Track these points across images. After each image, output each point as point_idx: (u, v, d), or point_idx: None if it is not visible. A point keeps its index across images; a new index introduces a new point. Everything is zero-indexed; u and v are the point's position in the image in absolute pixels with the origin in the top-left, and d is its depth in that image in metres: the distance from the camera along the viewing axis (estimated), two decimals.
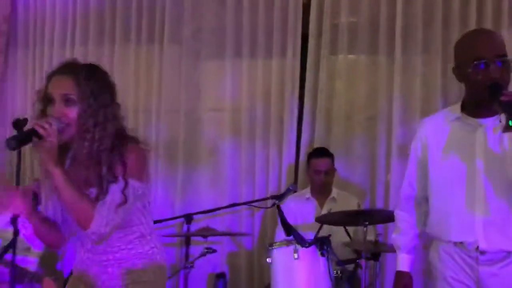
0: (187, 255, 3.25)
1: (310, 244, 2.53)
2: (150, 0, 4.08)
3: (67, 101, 1.66)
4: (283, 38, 3.89)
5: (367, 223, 2.58)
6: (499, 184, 1.76)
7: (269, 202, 3.26)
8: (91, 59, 4.10)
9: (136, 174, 1.71)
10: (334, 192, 3.32)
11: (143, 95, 4.13)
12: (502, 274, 1.79)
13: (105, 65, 3.92)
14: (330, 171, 3.32)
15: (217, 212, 3.60)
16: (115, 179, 1.69)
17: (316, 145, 3.72)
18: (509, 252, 1.79)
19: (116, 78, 4.03)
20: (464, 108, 1.85)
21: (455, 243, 1.84)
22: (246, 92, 3.97)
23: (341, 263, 2.66)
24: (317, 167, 3.32)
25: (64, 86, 1.66)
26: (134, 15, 4.11)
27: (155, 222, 3.48)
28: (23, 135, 1.62)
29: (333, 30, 3.82)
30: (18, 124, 1.67)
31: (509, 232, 1.78)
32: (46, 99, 1.69)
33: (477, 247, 1.79)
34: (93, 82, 1.69)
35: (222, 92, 4.03)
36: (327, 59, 3.83)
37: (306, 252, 2.55)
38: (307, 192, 3.43)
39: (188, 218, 3.37)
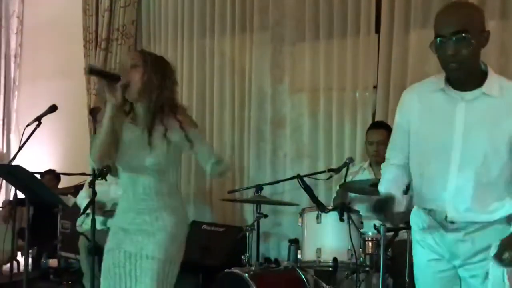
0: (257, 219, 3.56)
1: (329, 210, 2.72)
2: None
3: (133, 66, 2.11)
4: (357, 17, 3.99)
5: None
6: (473, 159, 1.79)
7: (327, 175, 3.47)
8: (198, 51, 4.80)
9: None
10: None
11: (237, 79, 4.61)
12: (468, 240, 1.85)
13: (207, 55, 4.64)
14: (383, 142, 3.35)
15: (285, 183, 3.90)
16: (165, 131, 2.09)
17: (390, 121, 3.75)
18: (475, 223, 1.83)
19: (216, 66, 4.64)
20: (448, 80, 1.86)
21: (426, 210, 1.92)
22: (323, 72, 4.17)
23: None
24: (369, 138, 3.41)
25: (133, 57, 2.18)
26: (229, 9, 4.61)
27: (233, 191, 4.01)
28: (106, 72, 2.29)
29: (406, 5, 3.80)
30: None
31: (477, 204, 1.81)
32: (121, 67, 2.19)
33: (446, 216, 1.85)
34: (153, 58, 2.18)
35: (301, 73, 4.29)
36: (400, 34, 3.81)
37: (327, 217, 2.75)
38: (365, 163, 3.52)
39: (259, 187, 3.73)
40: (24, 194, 2.87)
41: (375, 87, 3.98)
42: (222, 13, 4.66)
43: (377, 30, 3.94)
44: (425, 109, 1.88)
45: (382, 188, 2.00)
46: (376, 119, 3.89)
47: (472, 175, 1.79)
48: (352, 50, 4.04)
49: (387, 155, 2.09)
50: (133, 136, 2.15)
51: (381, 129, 3.38)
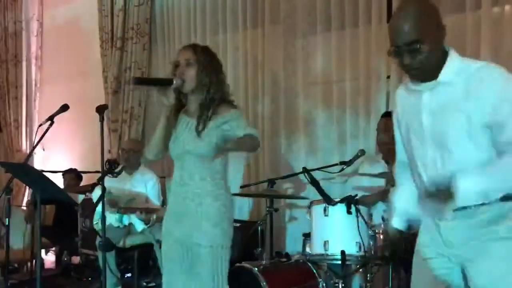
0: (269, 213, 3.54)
1: (336, 203, 2.69)
2: None
3: (188, 64, 2.24)
4: (368, 6, 3.93)
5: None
6: (450, 152, 1.75)
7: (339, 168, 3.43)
8: (211, 47, 4.79)
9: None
10: None
11: (250, 74, 4.60)
12: (457, 227, 1.79)
13: (220, 51, 4.65)
14: (390, 130, 3.29)
15: (299, 177, 3.86)
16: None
17: None
18: (455, 210, 1.75)
19: (229, 61, 4.65)
20: None
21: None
22: (336, 63, 4.12)
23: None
24: (377, 126, 3.36)
25: (186, 54, 2.27)
26: (240, 4, 4.60)
27: (246, 185, 4.00)
28: (155, 80, 2.37)
29: None
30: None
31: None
32: (175, 65, 2.28)
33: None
34: (206, 53, 2.30)
35: (314, 66, 4.25)
36: None
37: (334, 210, 2.72)
38: (379, 155, 3.46)
39: (271, 181, 3.71)
40: (37, 193, 2.92)
41: (388, 76, 3.91)
42: (233, 9, 4.66)
43: (389, 19, 3.85)
44: (405, 105, 1.88)
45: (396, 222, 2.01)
46: (390, 109, 3.82)
47: (451, 165, 1.74)
48: (364, 39, 3.98)
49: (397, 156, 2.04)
50: (185, 126, 2.29)
51: (385, 118, 3.32)
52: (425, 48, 1.67)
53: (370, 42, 3.95)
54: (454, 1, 3.61)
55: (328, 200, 2.72)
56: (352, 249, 2.68)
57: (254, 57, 4.60)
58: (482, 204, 1.71)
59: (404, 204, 1.99)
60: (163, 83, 2.22)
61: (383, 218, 2.63)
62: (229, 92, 2.32)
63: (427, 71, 1.73)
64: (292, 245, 4.19)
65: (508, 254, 1.70)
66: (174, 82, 2.19)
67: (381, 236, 2.79)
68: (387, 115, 3.39)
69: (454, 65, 1.72)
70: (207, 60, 2.25)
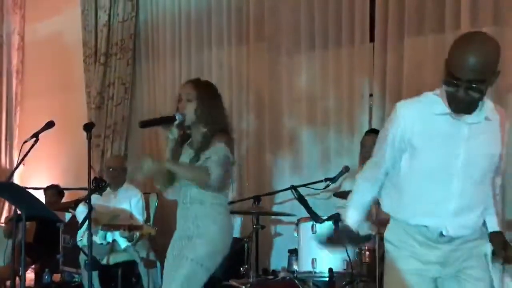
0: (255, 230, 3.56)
1: (323, 221, 2.73)
2: (237, 4, 4.56)
3: (188, 100, 2.39)
4: (351, 26, 4.01)
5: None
6: (473, 182, 1.85)
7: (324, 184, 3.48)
8: (196, 64, 4.84)
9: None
10: None
11: (235, 90, 4.63)
12: (460, 249, 1.89)
13: (205, 68, 4.68)
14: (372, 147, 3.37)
15: (286, 193, 3.88)
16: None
17: None
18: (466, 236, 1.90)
19: (214, 78, 4.67)
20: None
21: (418, 226, 1.92)
22: (319, 81, 4.19)
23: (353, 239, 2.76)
24: (362, 141, 3.44)
25: (187, 89, 2.43)
26: (225, 21, 4.65)
27: (231, 202, 4.01)
28: (159, 119, 2.46)
29: (399, 13, 3.81)
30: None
31: (470, 223, 1.89)
32: (178, 100, 2.46)
33: (440, 232, 1.88)
34: (206, 88, 2.46)
35: (298, 83, 4.31)
36: (394, 42, 3.83)
37: (321, 227, 2.75)
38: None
39: (256, 198, 3.73)
40: (20, 210, 2.89)
41: (371, 95, 3.99)
42: (218, 26, 4.70)
43: (372, 39, 3.95)
44: (427, 130, 1.87)
45: (352, 219, 2.07)
46: (373, 126, 3.89)
47: (472, 196, 1.86)
48: (347, 59, 4.06)
49: (371, 166, 2.07)
50: (187, 157, 2.44)
51: (372, 134, 3.39)
52: (483, 88, 1.73)
53: (353, 61, 4.04)
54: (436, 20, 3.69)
55: (315, 217, 2.76)
56: (339, 266, 2.70)
57: (239, 74, 4.65)
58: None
59: (362, 202, 2.05)
60: (167, 121, 2.39)
61: (369, 236, 2.67)
62: (229, 123, 2.49)
63: (472, 108, 1.79)
64: (277, 261, 4.20)
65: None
66: (176, 118, 2.36)
67: (367, 253, 2.83)
68: (372, 132, 3.46)
69: (489, 104, 1.84)
70: (207, 96, 2.41)
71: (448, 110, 1.82)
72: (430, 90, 3.59)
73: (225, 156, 2.33)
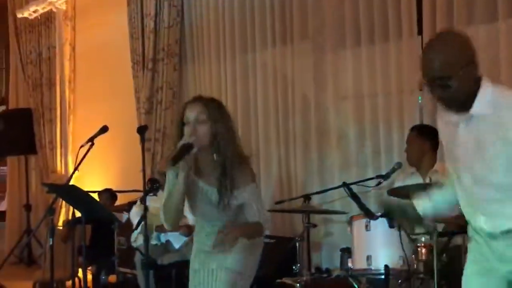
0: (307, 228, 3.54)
1: (377, 217, 2.69)
2: (280, 2, 4.57)
3: (201, 121, 2.11)
4: (398, 20, 3.94)
5: None
6: (479, 175, 1.81)
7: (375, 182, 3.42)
8: (240, 66, 4.89)
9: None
10: (438, 165, 3.28)
11: (280, 91, 4.64)
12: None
13: (249, 69, 4.72)
14: (411, 144, 3.33)
15: (335, 191, 3.85)
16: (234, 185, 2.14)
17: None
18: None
19: (259, 79, 4.64)
20: None
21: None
22: (367, 78, 4.13)
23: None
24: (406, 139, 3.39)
25: (196, 109, 2.13)
26: (269, 21, 4.67)
27: (281, 201, 4.01)
28: (183, 150, 2.09)
29: (448, 4, 3.71)
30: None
31: (508, 211, 1.80)
32: (183, 123, 2.15)
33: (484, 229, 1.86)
34: (216, 106, 2.19)
35: (344, 81, 4.27)
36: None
37: (375, 224, 2.72)
38: (413, 168, 3.45)
39: (306, 197, 3.72)
40: (80, 212, 3.00)
41: (421, 90, 3.90)
42: (262, 27, 4.72)
43: (420, 32, 3.87)
44: (444, 127, 1.92)
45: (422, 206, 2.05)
46: (424, 122, 3.81)
47: (485, 192, 1.81)
48: (395, 53, 3.99)
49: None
50: (203, 195, 2.18)
51: (410, 132, 3.40)
52: (454, 84, 1.72)
53: (401, 56, 3.96)
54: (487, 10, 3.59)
55: (369, 214, 2.72)
56: (395, 263, 2.66)
57: (283, 74, 4.65)
58: None
59: (440, 198, 2.03)
60: (188, 150, 2.06)
61: (427, 232, 2.61)
62: (240, 144, 2.20)
63: (458, 102, 1.77)
64: (329, 260, 4.18)
65: None
66: (194, 145, 2.06)
67: (423, 250, 2.77)
68: (412, 129, 3.41)
69: (486, 96, 1.75)
70: (220, 114, 2.15)
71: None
72: None
73: (259, 195, 2.24)
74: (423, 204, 2.04)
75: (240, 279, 2.22)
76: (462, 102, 1.76)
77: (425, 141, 3.34)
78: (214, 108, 2.15)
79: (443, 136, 1.95)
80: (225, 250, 2.12)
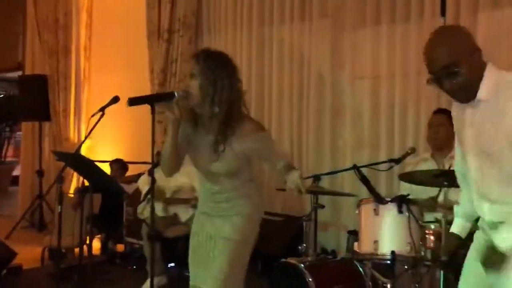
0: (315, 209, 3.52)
1: (387, 202, 2.64)
2: None
3: (191, 75, 2.14)
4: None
5: (446, 183, 2.50)
6: (484, 162, 1.78)
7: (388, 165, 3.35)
8: (257, 40, 4.80)
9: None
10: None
11: (296, 68, 4.55)
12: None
13: (266, 44, 4.62)
14: (443, 126, 3.21)
15: (345, 173, 3.79)
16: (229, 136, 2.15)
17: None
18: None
19: (275, 54, 4.52)
20: None
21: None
22: (385, 58, 4.03)
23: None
24: (429, 121, 3.28)
25: (191, 65, 2.17)
26: None
27: None
28: (152, 96, 2.26)
29: None
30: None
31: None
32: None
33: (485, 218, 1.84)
34: (210, 60, 2.15)
35: (362, 60, 4.17)
36: (467, 16, 3.60)
37: (384, 208, 2.66)
38: (427, 153, 3.36)
39: (316, 177, 3.66)
40: (88, 181, 2.99)
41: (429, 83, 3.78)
42: (281, 1, 4.61)
43: (443, 13, 3.73)
44: (455, 112, 1.92)
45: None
46: (441, 106, 3.70)
47: (491, 175, 1.78)
48: (416, 34, 3.87)
49: (456, 168, 2.06)
50: (203, 142, 2.22)
51: (441, 114, 3.24)
52: (462, 70, 1.71)
53: (422, 37, 3.83)
54: None
55: (379, 199, 2.67)
56: (402, 250, 2.61)
57: (300, 51, 4.55)
58: None
59: (463, 208, 2.02)
60: (163, 98, 2.12)
61: (436, 219, 2.55)
62: (241, 99, 2.19)
63: (469, 91, 1.75)
64: (336, 242, 4.15)
65: None
66: (176, 95, 2.09)
67: (432, 237, 2.70)
68: (440, 111, 3.30)
69: (490, 82, 1.75)
70: (210, 69, 2.11)
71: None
72: (505, 67, 3.37)
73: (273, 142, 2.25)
74: (460, 227, 2.03)
75: (239, 247, 2.23)
76: (474, 90, 1.75)
77: (452, 126, 3.25)
78: (209, 62, 2.13)
79: (455, 121, 1.93)
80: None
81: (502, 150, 1.72)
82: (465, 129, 1.83)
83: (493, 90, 1.73)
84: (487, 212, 1.81)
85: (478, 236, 1.93)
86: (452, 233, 2.04)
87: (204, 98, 2.12)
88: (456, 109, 1.90)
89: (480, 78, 1.74)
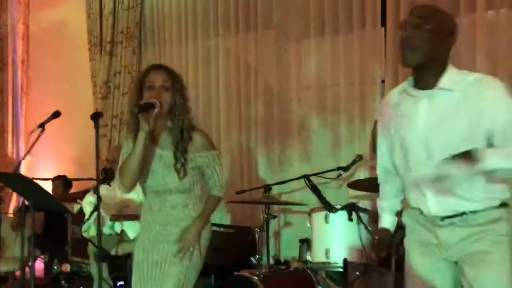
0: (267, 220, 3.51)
1: (337, 210, 2.67)
2: None
3: (165, 88, 2.18)
4: (362, 10, 3.92)
5: None
6: (439, 152, 1.77)
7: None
8: (202, 51, 4.76)
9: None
10: None
11: (243, 78, 4.56)
12: (457, 229, 1.81)
13: (212, 55, 4.60)
14: None
15: (295, 182, 3.82)
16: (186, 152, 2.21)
17: None
18: (462, 212, 1.80)
19: (221, 65, 4.58)
20: (415, 81, 1.86)
21: (415, 208, 1.92)
22: (330, 68, 4.10)
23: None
24: (373, 129, 3.36)
25: (162, 76, 2.19)
26: (232, 7, 4.56)
27: (241, 192, 3.94)
28: (145, 106, 2.13)
29: None
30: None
31: (457, 193, 1.78)
32: (149, 87, 2.18)
33: (430, 213, 1.85)
34: (175, 73, 2.26)
35: (307, 70, 4.23)
36: None
37: (334, 217, 2.69)
38: (374, 160, 3.44)
39: (267, 187, 3.66)
40: (28, 202, 2.84)
41: (383, 81, 3.91)
42: (225, 12, 4.61)
43: (383, 23, 3.86)
44: (393, 111, 1.91)
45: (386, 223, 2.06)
46: None
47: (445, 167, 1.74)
48: (358, 44, 3.97)
49: (379, 164, 2.09)
50: (159, 160, 2.23)
51: None
52: (427, 28, 1.74)
53: (364, 47, 3.95)
54: (449, 4, 3.60)
55: (329, 207, 2.70)
56: (354, 257, 2.65)
57: (246, 61, 4.56)
58: (475, 212, 1.77)
59: (390, 203, 2.06)
60: (150, 107, 2.12)
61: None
62: (192, 117, 2.26)
63: (421, 57, 1.75)
64: (288, 251, 4.15)
65: (502, 257, 1.77)
66: (156, 106, 2.11)
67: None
68: None
69: (453, 75, 1.80)
70: (180, 85, 2.23)
71: (407, 86, 1.85)
72: None
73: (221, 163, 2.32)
74: (390, 222, 2.05)
75: (186, 272, 2.22)
76: (420, 61, 1.75)
77: None
78: (176, 78, 2.23)
79: (393, 114, 1.91)
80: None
81: (456, 139, 1.73)
82: (417, 120, 1.81)
83: (457, 83, 1.77)
84: (431, 207, 1.82)
85: (411, 232, 1.93)
86: (385, 228, 2.05)
87: (169, 112, 2.19)
88: (398, 98, 1.89)
89: (441, 63, 1.78)
